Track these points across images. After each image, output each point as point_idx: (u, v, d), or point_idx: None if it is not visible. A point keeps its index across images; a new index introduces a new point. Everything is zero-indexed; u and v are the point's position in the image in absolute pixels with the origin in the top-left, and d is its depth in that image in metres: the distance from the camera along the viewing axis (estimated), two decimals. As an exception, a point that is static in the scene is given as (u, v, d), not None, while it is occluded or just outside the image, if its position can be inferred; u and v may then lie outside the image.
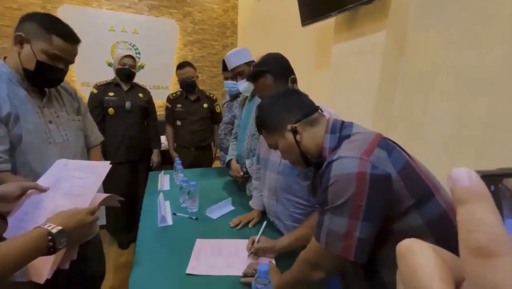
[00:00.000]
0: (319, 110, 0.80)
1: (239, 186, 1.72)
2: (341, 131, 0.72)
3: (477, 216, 0.12)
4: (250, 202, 1.39)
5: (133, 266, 0.96)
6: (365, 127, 0.72)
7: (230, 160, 1.69)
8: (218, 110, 2.49)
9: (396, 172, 0.58)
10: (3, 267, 0.52)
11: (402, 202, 0.57)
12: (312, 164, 0.78)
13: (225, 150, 2.16)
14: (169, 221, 1.26)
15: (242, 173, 1.56)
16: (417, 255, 0.14)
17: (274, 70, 1.09)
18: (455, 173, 0.13)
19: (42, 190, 0.79)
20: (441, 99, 1.28)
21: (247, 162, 1.55)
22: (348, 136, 0.68)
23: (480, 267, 0.12)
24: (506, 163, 1.05)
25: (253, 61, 1.59)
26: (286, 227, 1.18)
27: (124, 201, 0.88)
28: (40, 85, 1.02)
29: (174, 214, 1.34)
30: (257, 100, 1.55)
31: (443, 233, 0.57)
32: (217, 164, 2.75)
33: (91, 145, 1.29)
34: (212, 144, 2.56)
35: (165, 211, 1.31)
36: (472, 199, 0.13)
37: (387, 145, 0.63)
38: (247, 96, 1.68)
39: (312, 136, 0.75)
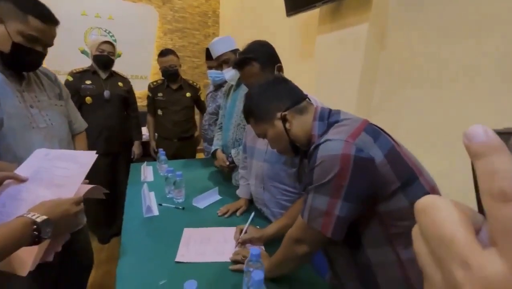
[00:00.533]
0: (307, 99, 0.81)
1: (224, 176, 1.72)
2: (329, 118, 0.74)
3: (496, 166, 0.13)
4: (237, 191, 1.39)
5: (120, 257, 0.95)
6: (353, 114, 0.75)
7: (216, 150, 1.68)
8: (202, 99, 2.45)
9: (382, 155, 0.60)
10: None
11: (389, 184, 0.60)
12: (301, 152, 0.80)
13: (209, 141, 2.14)
14: (155, 212, 1.25)
15: (228, 163, 1.55)
16: (440, 209, 0.14)
17: (260, 57, 1.08)
18: (471, 129, 0.14)
19: (20, 180, 0.75)
20: (419, 91, 1.35)
21: (233, 151, 1.55)
22: (336, 122, 0.70)
23: (505, 211, 0.12)
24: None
25: (237, 50, 1.57)
26: (273, 214, 1.20)
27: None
28: (17, 69, 0.95)
29: (160, 204, 1.32)
30: (242, 89, 1.55)
31: None
32: (200, 156, 2.72)
33: (76, 132, 1.25)
34: (194, 135, 2.52)
35: (151, 202, 1.29)
36: (490, 152, 0.13)
37: (373, 130, 0.65)
38: (232, 86, 1.66)
39: (301, 124, 0.75)
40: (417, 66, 1.34)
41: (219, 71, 1.94)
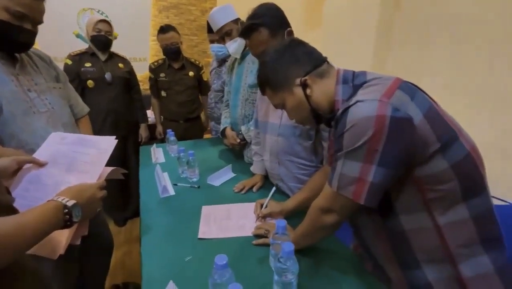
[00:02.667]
0: (327, 61, 0.75)
1: (236, 154, 1.70)
2: (354, 80, 0.69)
3: None
4: (251, 168, 1.38)
5: (142, 237, 0.95)
6: (380, 73, 0.69)
7: (225, 128, 1.64)
8: (205, 79, 2.37)
9: (422, 115, 0.56)
10: (21, 241, 0.48)
11: (428, 146, 0.56)
12: (323, 121, 0.76)
13: (217, 120, 2.10)
14: (171, 191, 1.25)
15: (238, 140, 1.52)
16: None
17: (268, 22, 1.01)
18: None
19: (40, 164, 0.73)
20: (436, 51, 1.27)
21: (243, 128, 1.52)
22: (364, 84, 0.65)
23: None
24: (502, 109, 1.08)
25: (239, 19, 1.48)
26: (290, 189, 1.19)
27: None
28: (8, 50, 0.90)
29: (175, 184, 1.32)
30: (248, 62, 1.48)
31: (467, 175, 0.58)
32: (208, 136, 2.70)
33: (78, 116, 1.22)
34: (201, 116, 2.48)
35: (166, 182, 1.29)
36: None
37: (409, 88, 0.61)
38: (235, 59, 1.59)
39: (323, 89, 0.71)
40: (434, 25, 1.25)
41: (221, 45, 1.86)
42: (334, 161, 0.65)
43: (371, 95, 0.58)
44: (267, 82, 0.76)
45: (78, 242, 0.70)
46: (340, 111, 0.62)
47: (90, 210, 0.69)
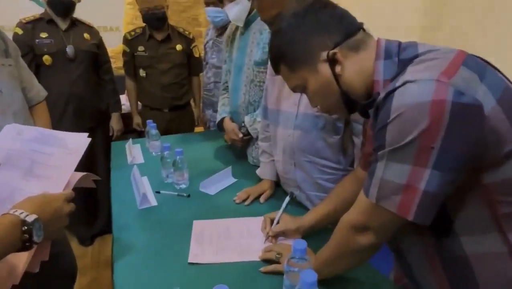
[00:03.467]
0: (363, 28, 0.74)
1: (237, 153, 1.70)
2: (399, 54, 0.67)
3: None
4: (258, 171, 1.37)
5: (114, 262, 0.95)
6: (436, 45, 0.67)
7: (223, 119, 1.65)
8: (196, 55, 2.38)
9: (494, 100, 0.54)
10: None
11: (502, 143, 0.55)
12: (358, 108, 0.74)
13: (215, 107, 2.09)
14: (153, 202, 1.25)
15: (241, 135, 1.53)
16: None
17: None
18: None
19: None
20: (501, 20, 1.24)
21: (247, 119, 1.52)
22: (414, 58, 0.63)
23: None
24: None
25: None
26: (309, 199, 1.18)
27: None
28: None
29: (157, 192, 1.32)
30: (254, 32, 1.47)
31: None
32: (200, 129, 2.71)
33: (33, 102, 1.23)
34: (192, 103, 2.48)
35: (145, 189, 1.29)
36: None
37: (477, 64, 0.59)
38: (237, 28, 1.58)
39: (358, 66, 0.69)
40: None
41: (219, 9, 1.85)
42: (373, 162, 0.64)
43: (426, 73, 0.56)
44: (283, 57, 0.75)
45: (37, 269, 0.70)
46: (381, 95, 0.61)
47: (55, 229, 0.69)
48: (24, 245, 0.60)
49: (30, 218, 0.61)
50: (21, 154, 0.79)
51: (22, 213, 0.61)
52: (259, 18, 1.44)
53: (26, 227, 0.60)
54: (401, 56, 0.66)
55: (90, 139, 0.84)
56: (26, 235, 0.59)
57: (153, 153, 1.73)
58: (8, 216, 0.60)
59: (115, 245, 1.03)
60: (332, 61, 0.70)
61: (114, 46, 3.54)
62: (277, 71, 0.80)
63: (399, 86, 0.57)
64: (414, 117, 0.54)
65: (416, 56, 0.63)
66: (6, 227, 0.58)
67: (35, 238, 0.61)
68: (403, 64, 0.64)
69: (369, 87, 0.70)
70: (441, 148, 0.54)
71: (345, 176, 1.04)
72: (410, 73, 0.59)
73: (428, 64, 0.59)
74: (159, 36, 2.22)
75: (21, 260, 0.66)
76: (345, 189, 0.97)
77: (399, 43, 0.69)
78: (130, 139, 1.86)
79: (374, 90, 0.68)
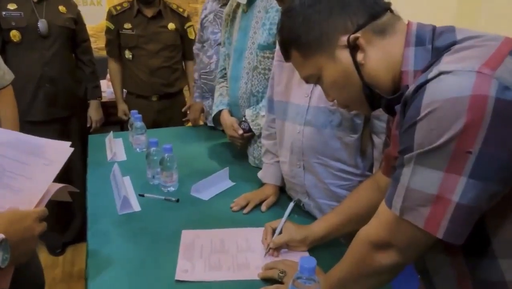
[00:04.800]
0: (391, 9, 0.73)
1: (236, 152, 1.70)
2: (433, 40, 0.66)
3: None
4: (259, 174, 1.37)
5: (88, 277, 0.95)
6: (477, 31, 0.66)
7: (220, 111, 1.65)
8: (191, 36, 2.39)
9: None
10: None
11: None
12: (383, 103, 0.73)
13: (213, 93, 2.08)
14: (135, 206, 1.25)
15: (241, 131, 1.53)
16: None
17: None
18: None
19: None
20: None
21: (248, 112, 1.52)
22: (452, 45, 0.62)
23: None
24: None
25: None
26: (319, 208, 1.18)
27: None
28: None
29: (141, 195, 1.32)
30: (258, 11, 1.46)
31: None
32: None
33: None
34: (186, 92, 2.48)
35: (127, 191, 1.29)
36: None
37: None
38: (238, 6, 1.58)
39: (383, 54, 0.69)
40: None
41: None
42: (398, 167, 0.63)
43: (465, 63, 0.55)
44: (295, 41, 0.75)
45: None
46: (411, 88, 0.60)
47: (22, 252, 0.69)
48: None
49: (1, 243, 0.61)
50: None
51: None
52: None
53: None
54: (435, 43, 0.65)
55: (72, 149, 0.84)
56: None
57: (138, 149, 1.73)
58: None
59: (90, 257, 1.02)
60: (354, 47, 0.69)
61: (95, 23, 3.56)
62: (287, 57, 0.79)
63: (432, 78, 0.56)
64: (450, 114, 0.53)
65: (454, 44, 0.62)
66: None
67: (0, 262, 0.61)
68: (438, 52, 0.63)
69: (397, 79, 0.69)
70: (480, 154, 0.53)
71: (362, 181, 1.04)
72: (446, 63, 0.58)
73: (468, 52, 0.58)
74: (149, 12, 2.23)
75: None
76: (361, 197, 0.97)
77: (434, 28, 0.69)
78: (111, 132, 1.86)
79: (403, 82, 0.68)
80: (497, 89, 0.52)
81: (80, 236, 2.36)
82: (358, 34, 0.68)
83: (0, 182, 0.77)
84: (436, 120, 0.55)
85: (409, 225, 0.61)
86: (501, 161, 0.54)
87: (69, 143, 0.86)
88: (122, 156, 1.68)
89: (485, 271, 0.63)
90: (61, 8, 2.07)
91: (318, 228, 1.01)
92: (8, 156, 0.80)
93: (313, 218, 1.18)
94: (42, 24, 1.96)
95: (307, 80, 0.79)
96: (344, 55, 0.70)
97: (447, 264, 0.69)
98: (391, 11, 0.72)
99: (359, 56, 0.69)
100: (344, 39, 0.69)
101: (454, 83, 0.54)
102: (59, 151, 0.83)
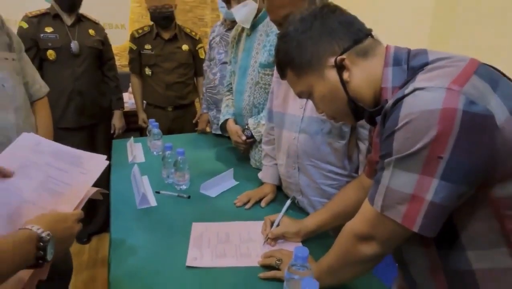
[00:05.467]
0: (372, 35, 0.73)
1: (240, 155, 1.70)
2: (409, 61, 0.67)
3: None
4: (260, 175, 1.37)
5: (111, 262, 0.95)
6: (449, 52, 0.66)
7: (226, 120, 1.65)
8: (202, 56, 2.39)
9: (508, 112, 0.53)
10: None
11: None
12: (365, 115, 0.74)
13: (219, 105, 2.08)
14: (152, 202, 1.25)
15: (244, 138, 1.52)
16: None
17: None
18: None
19: (4, 174, 0.73)
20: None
21: (251, 121, 1.51)
22: (425, 66, 0.62)
23: None
24: None
25: None
26: (312, 205, 1.17)
27: None
28: None
29: (157, 192, 1.32)
30: (260, 34, 1.47)
31: None
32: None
33: (34, 97, 1.23)
34: (197, 104, 2.48)
35: (145, 189, 1.28)
36: None
37: (490, 74, 0.58)
38: (242, 30, 1.58)
39: (366, 72, 0.69)
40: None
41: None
42: (379, 170, 0.63)
43: (436, 81, 0.55)
44: (289, 62, 0.75)
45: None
46: (390, 102, 0.60)
47: (62, 248, 0.69)
48: (37, 262, 0.60)
49: (46, 235, 0.61)
50: (36, 166, 0.79)
51: (39, 229, 0.61)
52: (265, 20, 1.45)
53: (41, 244, 0.60)
54: (410, 63, 0.66)
55: (108, 162, 0.85)
56: (41, 252, 0.60)
57: (154, 152, 1.73)
58: (26, 231, 0.60)
59: (112, 245, 1.02)
60: (340, 67, 0.70)
61: (119, 43, 3.57)
62: (283, 76, 0.79)
63: (409, 93, 0.56)
64: (423, 125, 0.53)
65: (427, 64, 0.62)
66: (23, 242, 0.58)
67: (48, 256, 0.61)
68: (413, 72, 0.63)
69: (377, 94, 0.69)
70: (450, 159, 0.53)
71: (349, 182, 1.03)
72: (420, 80, 0.58)
73: (439, 71, 0.58)
74: (166, 35, 2.23)
75: (23, 277, 0.66)
76: (348, 195, 0.96)
77: (409, 50, 0.69)
78: (132, 138, 1.86)
79: (382, 97, 0.68)
80: (465, 103, 0.52)
81: (104, 227, 2.37)
82: (344, 56, 0.69)
83: (45, 187, 0.77)
84: (411, 130, 0.55)
85: (388, 220, 0.61)
86: (468, 166, 0.54)
87: (105, 156, 0.86)
88: (141, 158, 1.68)
89: (455, 262, 0.63)
90: (91, 31, 2.08)
91: (310, 222, 1.01)
92: (51, 164, 0.80)
93: (306, 213, 1.17)
94: (74, 45, 1.97)
95: (300, 95, 0.79)
96: (332, 74, 0.71)
97: (422, 255, 0.68)
98: (372, 37, 0.73)
99: (345, 75, 0.70)
100: (332, 60, 0.70)
101: (427, 98, 0.54)
102: (96, 163, 0.84)
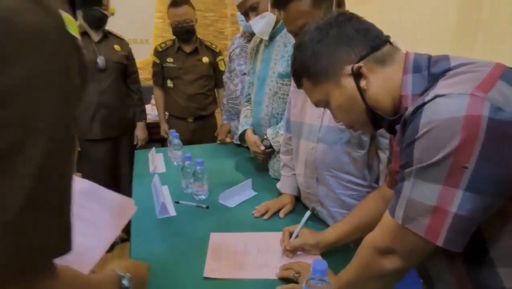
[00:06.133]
0: (390, 42, 0.71)
1: (258, 165, 1.69)
2: (430, 67, 0.64)
3: None
4: (278, 185, 1.35)
5: None
6: (470, 58, 0.64)
7: (244, 131, 1.65)
8: (222, 68, 2.42)
9: None
10: None
11: None
12: (385, 124, 0.72)
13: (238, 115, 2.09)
14: (171, 211, 1.25)
15: (263, 148, 1.52)
16: None
17: None
18: None
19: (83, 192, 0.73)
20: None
21: (269, 131, 1.51)
22: (446, 71, 0.60)
23: None
24: None
25: None
26: (331, 215, 1.15)
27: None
28: None
29: (176, 202, 1.32)
30: (278, 45, 1.48)
31: None
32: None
33: None
34: (216, 114, 2.51)
35: (165, 199, 1.29)
36: None
37: None
38: (261, 41, 1.59)
39: (384, 80, 0.67)
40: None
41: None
42: (399, 181, 0.61)
43: (459, 87, 0.53)
44: (305, 71, 0.74)
45: None
46: (410, 110, 0.58)
47: None
48: None
49: (128, 281, 0.64)
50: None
51: (123, 274, 0.64)
52: (283, 31, 1.46)
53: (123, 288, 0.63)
54: (431, 70, 0.63)
55: (136, 207, 0.83)
56: None
57: (175, 162, 1.75)
58: (114, 274, 0.63)
59: (132, 254, 1.03)
60: (357, 75, 0.68)
61: (143, 57, 3.68)
62: (299, 85, 0.79)
63: (429, 100, 0.54)
64: (445, 133, 0.51)
65: (448, 70, 0.60)
66: (109, 283, 0.61)
67: None
68: (434, 78, 0.61)
69: (397, 102, 0.67)
70: (475, 169, 0.50)
71: (369, 192, 1.01)
72: (441, 87, 0.56)
73: (462, 77, 0.56)
74: (187, 49, 2.29)
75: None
76: (369, 207, 0.93)
77: (429, 57, 0.67)
78: (153, 148, 1.89)
79: (402, 105, 0.66)
80: (490, 110, 0.49)
81: (126, 237, 2.40)
82: (361, 64, 0.67)
83: (77, 227, 0.75)
84: (433, 138, 0.53)
85: (410, 233, 0.58)
86: (495, 176, 0.51)
87: (133, 200, 0.85)
88: (162, 168, 1.70)
89: (485, 278, 0.59)
90: (116, 47, 2.15)
91: (330, 234, 0.98)
92: (81, 202, 0.74)
93: (326, 224, 1.14)
94: (100, 60, 2.05)
95: (317, 104, 0.78)
96: (349, 82, 0.69)
97: (448, 270, 0.65)
98: (391, 43, 0.71)
99: (362, 83, 0.68)
100: (348, 68, 0.68)
101: (449, 104, 0.52)
102: (126, 206, 0.82)
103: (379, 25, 0.72)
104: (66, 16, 0.40)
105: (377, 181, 1.10)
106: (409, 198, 0.57)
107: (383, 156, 1.05)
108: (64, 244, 0.41)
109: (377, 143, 1.05)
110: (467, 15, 1.40)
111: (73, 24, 0.41)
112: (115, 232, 0.77)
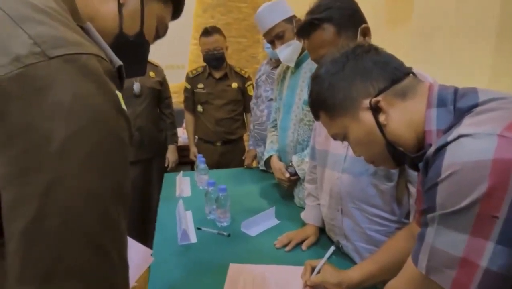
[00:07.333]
0: (413, 74, 0.68)
1: (284, 193, 1.67)
2: (456, 102, 0.60)
3: None
4: (302, 215, 1.31)
5: None
6: (501, 92, 0.59)
7: (270, 157, 1.64)
8: (250, 93, 2.46)
9: None
10: None
11: None
12: (407, 160, 0.68)
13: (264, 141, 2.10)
14: (193, 238, 1.25)
15: (288, 175, 1.50)
16: None
17: (336, 16, 0.99)
18: None
19: None
20: None
21: (294, 159, 1.49)
22: (474, 107, 0.56)
23: None
24: None
25: (294, 17, 1.51)
26: (357, 251, 1.08)
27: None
28: None
29: (198, 228, 1.32)
30: (304, 72, 1.48)
31: None
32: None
33: None
34: (244, 138, 2.53)
35: (187, 225, 1.30)
36: None
37: None
38: (288, 67, 1.61)
39: (405, 114, 0.65)
40: None
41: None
42: (422, 225, 0.56)
43: (486, 126, 0.49)
44: (322, 103, 0.73)
45: None
46: (432, 149, 0.55)
47: None
48: None
49: None
50: None
51: None
52: (310, 58, 1.46)
53: None
54: (458, 104, 0.59)
55: (152, 259, 0.84)
56: None
57: (201, 187, 1.76)
58: None
59: (151, 279, 1.03)
60: (376, 109, 0.66)
61: (178, 82, 3.85)
62: (316, 117, 0.77)
63: (452, 140, 0.50)
64: (471, 177, 0.47)
65: (476, 106, 0.56)
66: None
67: None
68: (460, 113, 0.57)
69: (420, 138, 0.64)
70: (507, 219, 0.45)
71: (398, 229, 0.95)
72: (467, 125, 0.52)
73: (490, 115, 0.51)
74: (217, 75, 2.35)
75: None
76: (397, 245, 0.87)
77: (456, 89, 0.63)
78: (181, 172, 1.93)
79: (426, 141, 0.62)
80: None
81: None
82: (379, 98, 0.65)
83: None
84: (457, 183, 0.48)
85: (435, 286, 0.53)
86: None
87: (151, 252, 0.85)
88: (187, 192, 1.72)
89: None
90: (151, 74, 2.25)
91: (355, 274, 0.92)
92: None
93: (351, 260, 1.08)
94: (136, 86, 2.15)
95: (335, 137, 0.76)
96: (367, 116, 0.67)
97: None
98: (414, 75, 0.68)
99: (381, 117, 0.65)
100: (366, 102, 0.66)
101: (474, 146, 0.48)
102: (143, 256, 0.82)
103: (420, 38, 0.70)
104: (119, 94, 0.44)
105: (407, 216, 1.02)
106: (433, 246, 0.53)
107: (413, 190, 0.98)
108: None
109: (407, 176, 0.99)
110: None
111: (122, 99, 0.45)
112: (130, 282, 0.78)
